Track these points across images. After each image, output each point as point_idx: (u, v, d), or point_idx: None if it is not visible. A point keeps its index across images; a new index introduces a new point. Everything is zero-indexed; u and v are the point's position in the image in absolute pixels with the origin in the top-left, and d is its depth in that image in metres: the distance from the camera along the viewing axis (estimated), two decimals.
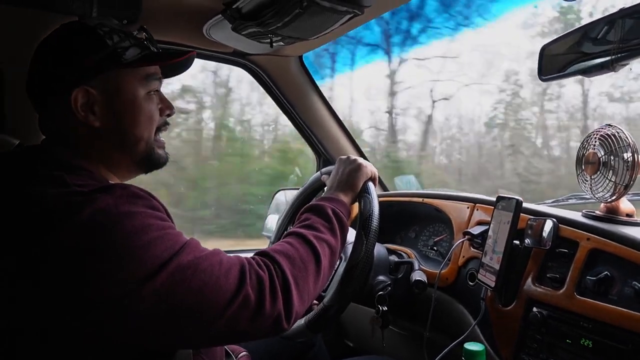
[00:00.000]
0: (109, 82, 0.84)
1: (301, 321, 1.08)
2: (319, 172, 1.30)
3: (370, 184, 1.11)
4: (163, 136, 0.96)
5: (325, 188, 1.13)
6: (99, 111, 0.84)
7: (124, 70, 0.86)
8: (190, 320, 0.71)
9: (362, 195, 1.09)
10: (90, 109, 0.83)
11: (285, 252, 0.85)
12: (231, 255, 0.80)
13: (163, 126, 0.94)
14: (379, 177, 1.17)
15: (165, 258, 0.70)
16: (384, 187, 2.01)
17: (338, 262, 1.23)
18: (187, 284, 0.70)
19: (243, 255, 0.84)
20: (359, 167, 1.10)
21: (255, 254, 0.86)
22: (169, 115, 0.95)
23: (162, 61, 0.91)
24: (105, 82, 0.84)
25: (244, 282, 0.75)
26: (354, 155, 1.15)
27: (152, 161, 0.92)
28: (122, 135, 0.87)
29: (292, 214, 1.40)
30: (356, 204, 1.11)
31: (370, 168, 1.13)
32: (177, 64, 0.96)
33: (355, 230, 1.08)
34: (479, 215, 1.24)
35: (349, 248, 1.06)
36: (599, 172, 0.97)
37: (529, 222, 1.02)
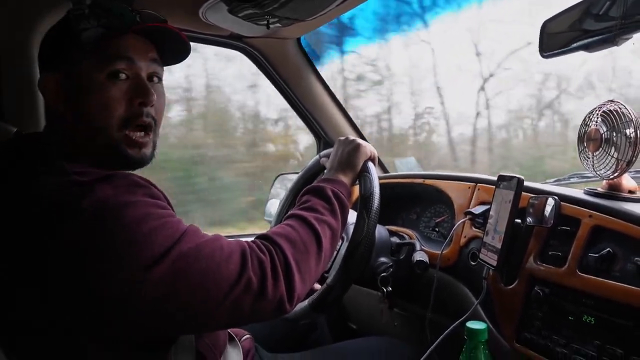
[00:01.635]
0: (71, 66, 0.80)
1: (305, 302, 1.08)
2: (317, 156, 1.29)
3: (370, 164, 1.10)
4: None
5: (325, 169, 1.13)
6: (63, 97, 0.81)
7: (85, 52, 0.79)
8: (194, 306, 0.72)
9: (362, 174, 1.08)
10: (57, 95, 0.81)
11: (286, 234, 0.85)
12: (232, 240, 0.80)
13: (135, 118, 0.81)
14: (378, 158, 1.16)
15: (166, 246, 0.70)
16: (384, 169, 2.00)
17: (340, 242, 1.23)
18: (189, 271, 0.70)
19: (244, 239, 0.84)
20: (358, 147, 1.10)
21: (256, 238, 0.86)
22: (143, 105, 0.82)
23: (120, 32, 0.80)
24: (69, 67, 0.80)
25: (246, 266, 0.76)
26: (353, 136, 1.15)
27: (118, 159, 0.82)
28: (84, 124, 0.80)
29: (293, 198, 1.40)
30: (356, 187, 1.10)
31: (369, 148, 1.12)
32: (173, 47, 0.88)
33: (355, 212, 1.08)
34: (480, 195, 1.23)
35: (351, 228, 1.06)
36: (601, 149, 0.96)
37: (530, 200, 1.02)
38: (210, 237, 0.77)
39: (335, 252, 1.25)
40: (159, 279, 0.68)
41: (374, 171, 1.09)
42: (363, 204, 1.04)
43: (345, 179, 1.05)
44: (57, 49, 0.82)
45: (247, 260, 0.76)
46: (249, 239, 0.84)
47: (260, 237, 0.86)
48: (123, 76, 0.80)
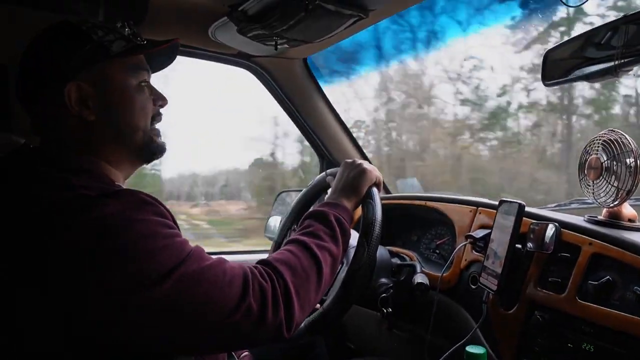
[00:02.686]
0: (99, 75, 0.85)
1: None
2: (324, 173, 1.30)
3: (374, 190, 1.10)
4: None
5: (329, 191, 1.13)
6: (93, 104, 0.84)
7: (112, 62, 0.87)
8: (193, 329, 0.72)
9: (365, 201, 1.08)
10: (84, 104, 0.84)
11: (287, 261, 0.86)
12: (234, 264, 0.80)
13: (157, 117, 0.95)
14: (383, 182, 1.17)
15: (170, 266, 0.70)
16: (387, 190, 2.01)
17: (340, 266, 1.23)
18: (190, 293, 0.71)
19: (246, 261, 0.84)
20: (363, 171, 1.10)
21: (257, 263, 0.86)
22: (161, 106, 0.96)
23: (148, 49, 0.92)
24: (95, 76, 0.85)
25: (247, 292, 0.76)
26: (359, 159, 1.15)
27: (152, 150, 0.94)
28: (118, 127, 0.88)
29: (296, 215, 1.40)
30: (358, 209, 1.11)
31: (374, 173, 1.12)
32: (162, 56, 0.99)
33: (357, 232, 1.08)
34: (481, 218, 1.24)
35: (351, 252, 1.06)
36: (601, 177, 0.98)
37: (531, 226, 1.03)
38: (214, 261, 0.77)
39: (334, 278, 1.25)
40: (160, 298, 0.68)
41: (378, 198, 1.09)
42: (364, 232, 1.04)
43: (348, 204, 1.05)
44: (82, 59, 0.84)
45: (248, 286, 0.77)
46: (251, 256, 0.85)
47: (262, 262, 0.86)
48: (144, 84, 0.92)
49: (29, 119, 1.25)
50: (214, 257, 0.79)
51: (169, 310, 0.69)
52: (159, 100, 0.95)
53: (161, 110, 0.97)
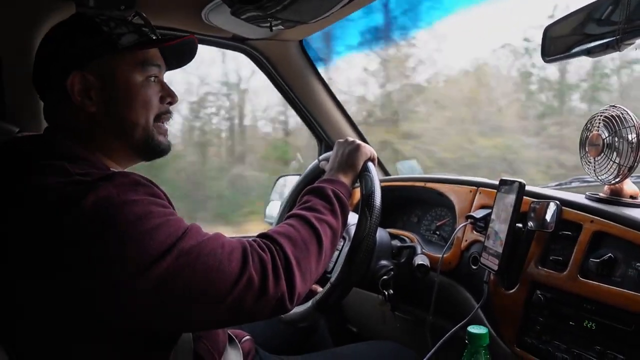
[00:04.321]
0: (105, 67, 0.86)
1: (308, 303, 1.09)
2: (317, 160, 1.30)
3: (370, 164, 1.11)
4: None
5: (326, 170, 1.13)
6: (95, 96, 0.85)
7: (120, 56, 0.87)
8: (195, 304, 0.72)
9: (362, 174, 1.09)
10: (86, 94, 0.85)
11: (286, 233, 0.86)
12: (232, 238, 0.80)
13: (165, 114, 0.94)
14: (378, 160, 1.17)
15: (168, 244, 0.70)
16: (385, 172, 2.00)
17: (342, 242, 1.24)
18: (190, 269, 0.71)
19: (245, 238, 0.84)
20: (357, 147, 1.11)
21: (256, 236, 0.86)
22: (170, 104, 0.95)
23: (158, 44, 0.91)
24: (101, 67, 0.85)
25: (247, 264, 0.76)
26: (352, 137, 1.16)
27: (151, 148, 0.92)
28: (118, 121, 0.87)
29: (293, 200, 1.40)
30: (357, 189, 1.10)
31: (369, 148, 1.13)
32: (181, 54, 0.98)
33: (356, 214, 1.08)
34: (481, 198, 1.23)
35: (352, 229, 1.06)
36: (602, 154, 0.96)
37: (531, 205, 1.02)
38: (212, 235, 0.78)
39: (337, 252, 1.25)
40: (161, 276, 0.68)
41: (375, 171, 1.10)
42: (365, 203, 1.05)
43: (345, 179, 1.06)
44: (88, 50, 0.85)
45: (248, 258, 0.77)
46: (250, 238, 0.85)
47: (261, 235, 0.86)
48: (153, 79, 0.91)
49: (22, 109, 1.25)
50: (211, 233, 0.79)
51: (171, 287, 0.69)
52: (168, 97, 0.94)
53: (171, 108, 0.96)
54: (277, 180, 2.00)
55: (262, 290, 0.77)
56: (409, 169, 2.15)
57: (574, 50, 1.02)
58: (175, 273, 0.70)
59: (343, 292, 1.06)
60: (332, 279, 1.07)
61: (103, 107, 0.86)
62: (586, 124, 1.01)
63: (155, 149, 0.93)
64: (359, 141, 1.13)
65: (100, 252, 0.67)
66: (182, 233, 0.73)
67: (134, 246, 0.68)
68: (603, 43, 0.93)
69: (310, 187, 1.02)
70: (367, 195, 1.05)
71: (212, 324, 0.83)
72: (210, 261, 0.73)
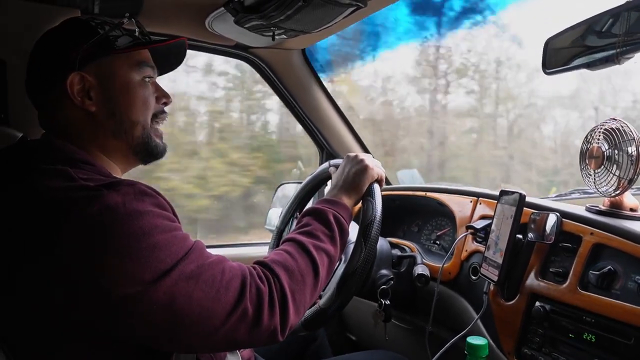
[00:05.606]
0: (103, 67, 0.87)
1: None
2: (327, 163, 1.27)
3: (376, 186, 1.07)
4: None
5: (330, 184, 1.12)
6: (95, 96, 0.86)
7: (117, 56, 0.88)
8: (188, 329, 0.71)
9: (365, 199, 1.06)
10: (86, 94, 0.86)
11: (284, 263, 0.85)
12: (234, 264, 0.80)
13: (160, 114, 0.95)
14: (385, 177, 1.15)
15: (169, 264, 0.70)
16: (387, 182, 2.01)
17: (338, 263, 1.21)
18: (187, 295, 0.70)
19: (247, 254, 0.83)
20: (365, 169, 1.07)
21: (255, 263, 0.86)
22: (165, 104, 0.97)
23: (152, 45, 0.93)
24: (99, 68, 0.87)
25: (244, 295, 0.76)
26: (362, 154, 1.12)
27: (149, 150, 0.93)
28: (119, 119, 0.88)
29: (297, 204, 1.39)
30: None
31: (377, 170, 1.09)
32: (170, 57, 1.00)
33: (357, 224, 1.07)
34: (481, 209, 1.23)
35: (350, 247, 1.05)
36: (602, 167, 0.97)
37: (532, 216, 1.02)
38: (213, 259, 0.77)
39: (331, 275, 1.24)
40: (157, 297, 0.68)
41: (379, 196, 1.06)
42: (362, 232, 1.02)
43: (348, 201, 1.03)
44: (87, 51, 0.85)
45: (245, 289, 0.76)
46: (251, 249, 0.85)
47: (261, 263, 0.85)
48: (148, 80, 0.92)
49: (26, 114, 1.25)
50: (214, 254, 0.79)
51: (165, 311, 0.69)
52: (163, 97, 0.96)
53: (165, 109, 0.97)
54: (278, 187, 2.00)
55: (256, 322, 0.76)
56: (409, 178, 2.16)
57: (574, 63, 1.03)
58: (171, 297, 0.69)
59: (331, 314, 1.05)
60: (321, 302, 1.06)
61: (103, 106, 0.87)
62: (586, 136, 1.02)
63: (153, 151, 0.94)
64: (368, 161, 1.09)
65: (99, 263, 0.66)
66: (184, 254, 0.72)
67: (134, 262, 0.67)
68: (603, 57, 0.94)
69: (312, 208, 1.00)
70: (366, 225, 1.02)
71: (204, 350, 0.83)
72: (208, 289, 0.72)
